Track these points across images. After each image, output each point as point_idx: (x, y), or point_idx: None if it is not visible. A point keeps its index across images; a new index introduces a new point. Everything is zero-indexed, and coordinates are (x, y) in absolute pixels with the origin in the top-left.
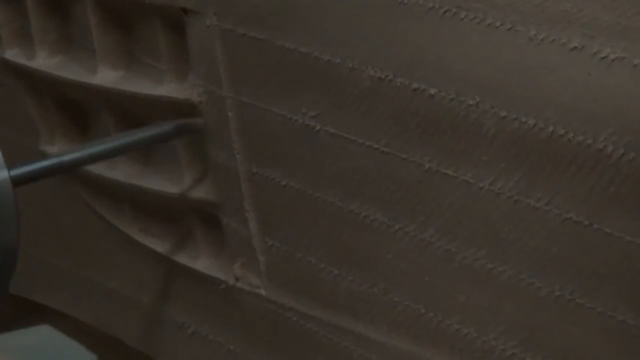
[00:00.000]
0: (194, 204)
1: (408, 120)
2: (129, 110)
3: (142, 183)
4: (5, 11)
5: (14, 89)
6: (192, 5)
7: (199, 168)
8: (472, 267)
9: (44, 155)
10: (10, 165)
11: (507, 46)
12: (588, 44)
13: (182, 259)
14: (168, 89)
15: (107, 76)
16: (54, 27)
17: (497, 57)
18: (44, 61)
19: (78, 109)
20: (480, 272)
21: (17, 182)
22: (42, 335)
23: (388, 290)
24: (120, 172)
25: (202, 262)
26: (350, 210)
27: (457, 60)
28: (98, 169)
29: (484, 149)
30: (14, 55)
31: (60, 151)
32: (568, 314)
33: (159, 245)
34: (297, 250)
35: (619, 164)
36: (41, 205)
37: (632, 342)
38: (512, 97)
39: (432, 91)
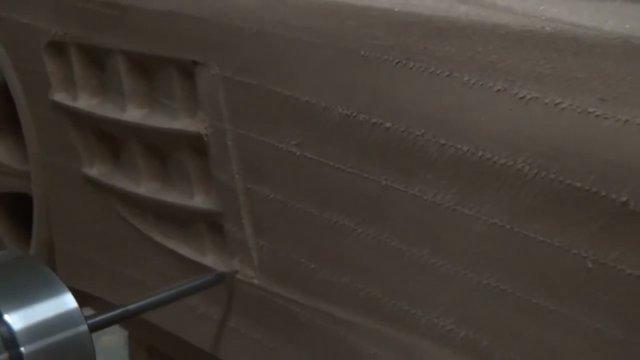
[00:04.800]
0: (202, 214)
1: (369, 147)
2: (152, 141)
3: (162, 197)
4: (55, 63)
5: (61, 124)
6: (200, 58)
7: (206, 185)
8: (417, 262)
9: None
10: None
11: (445, 89)
12: (509, 87)
13: (193, 255)
14: (182, 123)
15: (134, 114)
16: (93, 75)
17: (438, 98)
18: (85, 102)
19: (112, 140)
20: (424, 266)
21: (92, 329)
22: None
23: (354, 280)
24: (145, 188)
25: (209, 258)
26: (323, 217)
27: (407, 101)
28: (127, 186)
29: (428, 169)
30: (61, 97)
31: (127, 302)
32: (494, 298)
33: (175, 246)
34: (282, 249)
35: (534, 181)
36: (83, 215)
37: (547, 325)
38: (450, 128)
39: (388, 125)
